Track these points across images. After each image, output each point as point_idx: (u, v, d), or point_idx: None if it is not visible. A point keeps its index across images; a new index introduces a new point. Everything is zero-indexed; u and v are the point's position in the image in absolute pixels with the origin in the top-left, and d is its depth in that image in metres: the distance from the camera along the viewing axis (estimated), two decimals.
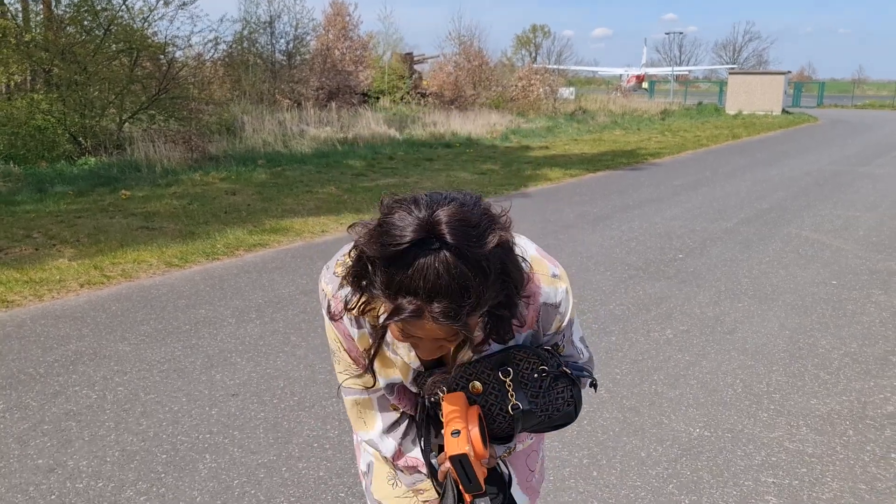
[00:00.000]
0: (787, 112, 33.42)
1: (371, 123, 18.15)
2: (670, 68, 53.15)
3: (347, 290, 1.22)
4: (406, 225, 1.05)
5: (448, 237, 1.04)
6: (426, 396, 1.38)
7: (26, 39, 13.10)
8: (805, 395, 3.64)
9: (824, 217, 8.47)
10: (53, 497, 2.73)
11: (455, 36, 27.46)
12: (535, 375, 1.30)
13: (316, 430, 3.26)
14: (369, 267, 1.10)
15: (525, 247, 1.33)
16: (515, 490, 1.54)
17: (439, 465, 1.38)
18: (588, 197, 9.93)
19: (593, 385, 1.43)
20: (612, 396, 3.62)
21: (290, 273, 5.93)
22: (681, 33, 78.30)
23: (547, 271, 1.35)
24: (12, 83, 14.97)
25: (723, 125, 24.92)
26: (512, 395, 1.29)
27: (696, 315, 4.89)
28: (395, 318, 1.07)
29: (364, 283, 1.14)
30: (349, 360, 1.39)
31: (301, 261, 6.34)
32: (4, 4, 15.03)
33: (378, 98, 25.74)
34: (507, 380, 1.28)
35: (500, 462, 1.45)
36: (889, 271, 6.06)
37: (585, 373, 1.41)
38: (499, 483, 1.42)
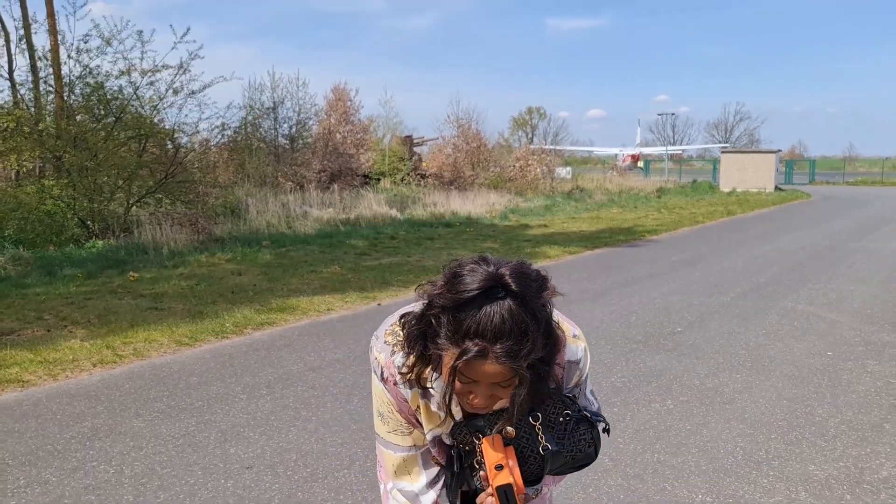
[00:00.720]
0: (780, 189, 34.08)
1: (373, 204, 18.55)
2: (664, 147, 54.36)
3: (400, 355, 1.41)
4: (476, 276, 1.25)
5: (512, 286, 1.25)
6: (461, 445, 1.50)
7: (40, 128, 13.59)
8: (803, 462, 3.75)
9: (819, 291, 8.66)
10: None
11: (453, 119, 28.24)
12: (561, 419, 1.45)
13: (329, 501, 3.35)
14: (435, 320, 1.27)
15: (558, 317, 1.48)
16: None
17: (475, 464, 1.48)
18: (587, 273, 10.14)
19: (606, 430, 1.55)
20: (615, 465, 3.72)
21: (298, 350, 6.07)
22: (673, 114, 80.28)
23: (569, 332, 1.51)
24: (22, 170, 15.43)
25: (717, 202, 25.41)
26: (542, 438, 1.43)
27: (695, 386, 5.02)
28: (462, 359, 1.23)
29: (423, 341, 1.33)
30: (400, 419, 1.53)
31: (308, 338, 6.49)
32: (17, 94, 15.64)
33: (379, 179, 26.33)
34: (537, 424, 1.43)
35: None
36: (883, 342, 6.21)
37: (600, 418, 1.54)
38: None
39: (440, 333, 1.28)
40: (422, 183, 25.47)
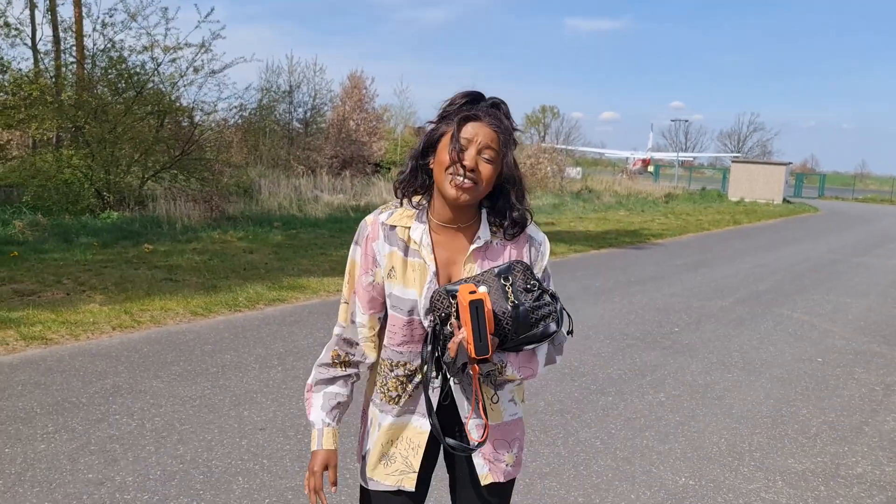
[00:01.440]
0: (788, 201, 34.18)
1: (383, 192, 18.77)
2: (675, 153, 54.41)
3: (386, 213, 1.76)
4: (461, 93, 1.75)
5: (500, 104, 1.73)
6: (437, 312, 1.65)
7: (61, 98, 13.83)
8: (783, 455, 3.97)
9: (816, 301, 8.86)
10: None
11: None
12: (528, 286, 1.66)
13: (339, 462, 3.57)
14: (430, 141, 1.73)
15: None
16: (477, 457, 1.81)
17: (450, 333, 1.63)
18: (591, 272, 10.35)
19: (570, 332, 1.74)
20: (606, 448, 3.95)
21: (309, 327, 6.30)
22: (686, 121, 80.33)
23: (534, 223, 1.83)
24: (41, 138, 15.70)
25: (725, 211, 25.56)
26: (511, 295, 1.63)
27: (687, 382, 5.24)
28: (463, 112, 1.67)
29: (418, 162, 1.75)
30: (351, 288, 1.80)
31: (318, 316, 6.72)
32: (40, 64, 15.89)
33: (390, 168, 26.52)
34: (508, 284, 1.64)
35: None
36: (872, 352, 6.42)
37: (566, 312, 1.72)
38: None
39: (437, 135, 1.71)
40: None
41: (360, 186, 19.59)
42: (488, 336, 1.52)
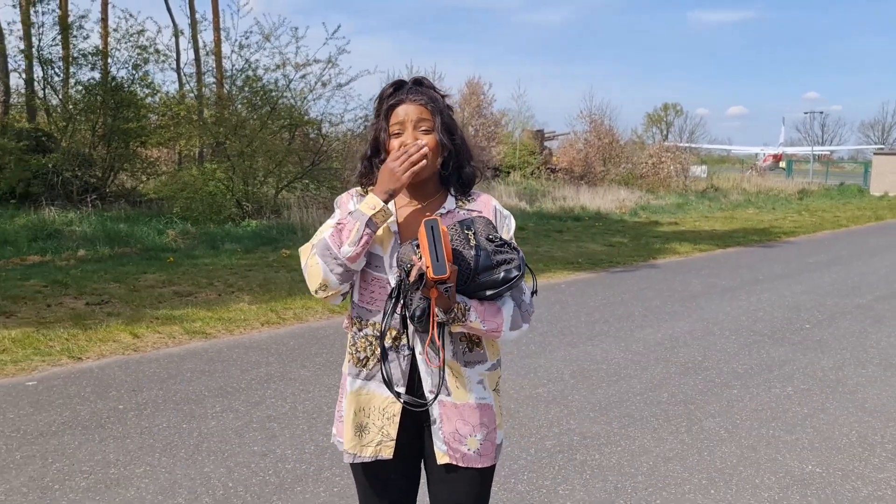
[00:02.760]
0: None
1: (502, 196, 19.04)
2: (810, 147, 51.63)
3: (354, 191, 1.95)
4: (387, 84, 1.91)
5: (422, 80, 1.89)
6: (402, 266, 1.74)
7: (205, 116, 15.00)
8: None
9: None
10: (270, 472, 3.48)
11: (586, 114, 28.25)
12: (490, 237, 1.78)
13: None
14: (372, 138, 1.90)
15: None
16: (437, 432, 1.84)
17: (414, 281, 1.70)
18: (716, 270, 10.18)
19: (535, 292, 1.88)
20: (730, 436, 4.03)
21: None
22: (821, 112, 75.94)
23: (499, 202, 1.97)
24: (184, 154, 17.04)
25: (866, 206, 24.14)
26: (473, 241, 1.75)
27: (817, 377, 5.17)
28: (388, 103, 1.83)
29: (369, 161, 1.91)
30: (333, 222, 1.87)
31: None
32: (184, 85, 17.26)
33: (509, 172, 26.78)
34: (470, 233, 1.77)
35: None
36: None
37: (529, 270, 1.84)
38: (463, 273, 1.73)
39: (379, 131, 1.89)
40: (551, 177, 25.71)
41: (480, 191, 19.90)
42: (445, 256, 1.60)
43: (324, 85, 15.66)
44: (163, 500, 3.18)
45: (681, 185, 26.34)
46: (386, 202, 1.79)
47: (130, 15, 18.00)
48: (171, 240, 11.36)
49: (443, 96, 1.89)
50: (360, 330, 1.89)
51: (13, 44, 15.34)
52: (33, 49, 15.20)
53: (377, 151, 1.90)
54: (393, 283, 1.81)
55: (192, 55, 17.60)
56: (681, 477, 3.50)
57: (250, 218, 13.99)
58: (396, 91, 1.86)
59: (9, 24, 15.49)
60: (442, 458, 1.86)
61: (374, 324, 1.85)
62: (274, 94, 15.21)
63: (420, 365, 1.83)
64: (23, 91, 15.89)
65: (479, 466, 1.89)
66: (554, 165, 27.57)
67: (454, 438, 1.86)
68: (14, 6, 15.38)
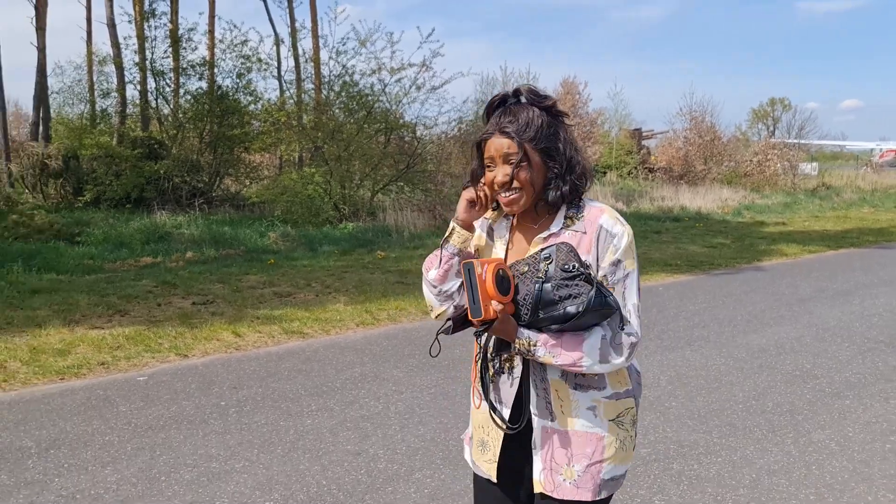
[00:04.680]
0: None
1: (598, 197, 18.71)
2: None
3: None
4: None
5: (522, 92, 1.81)
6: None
7: (304, 122, 15.45)
8: None
9: None
10: (362, 472, 3.53)
11: (686, 111, 27.39)
12: (566, 266, 1.69)
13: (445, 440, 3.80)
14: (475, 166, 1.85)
15: (606, 206, 1.83)
16: (537, 456, 1.80)
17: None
18: (828, 273, 9.66)
19: (622, 328, 1.71)
20: (842, 450, 3.80)
21: None
22: None
23: (615, 214, 1.79)
24: (285, 159, 17.61)
25: None
26: (543, 272, 1.70)
27: None
28: (481, 136, 1.80)
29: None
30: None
31: None
32: (285, 92, 17.84)
33: (605, 173, 26.32)
34: (545, 264, 1.71)
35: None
36: None
37: (614, 304, 1.69)
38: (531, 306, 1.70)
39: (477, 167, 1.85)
40: (649, 177, 25.09)
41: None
42: (482, 299, 1.64)
43: (418, 88, 15.82)
44: (259, 496, 3.28)
45: (789, 183, 25.14)
46: (464, 227, 1.84)
47: (235, 26, 18.82)
48: (272, 242, 11.75)
49: (547, 107, 1.80)
50: (475, 354, 1.93)
51: (128, 57, 16.29)
52: (147, 62, 16.07)
53: (476, 179, 1.86)
54: None
55: (292, 63, 18.24)
56: (787, 491, 3.32)
57: (347, 220, 14.31)
58: (497, 107, 1.82)
59: (124, 38, 16.38)
60: (537, 487, 1.81)
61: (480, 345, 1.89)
62: (370, 98, 15.49)
63: (529, 387, 1.80)
64: (137, 102, 16.82)
65: (573, 499, 1.78)
66: (652, 165, 26.88)
67: (550, 466, 1.79)
68: (130, 21, 16.33)
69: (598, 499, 1.79)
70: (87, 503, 3.20)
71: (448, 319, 1.81)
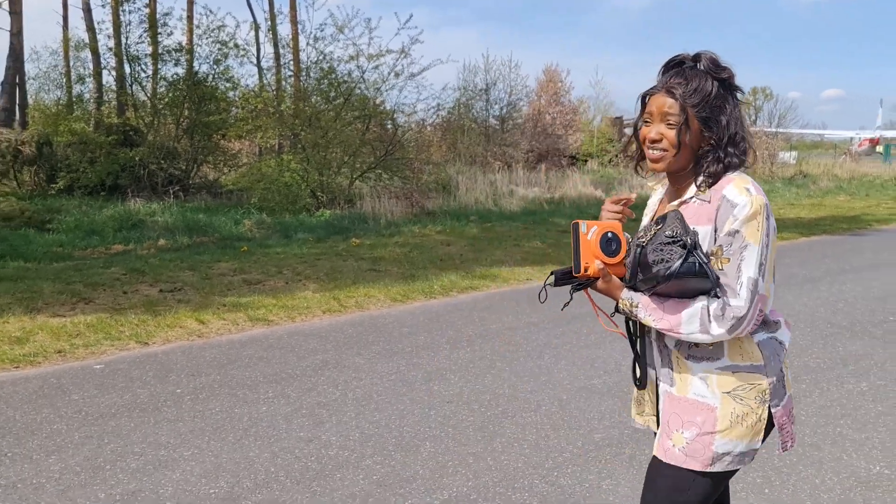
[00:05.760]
0: None
1: (578, 185, 18.73)
2: None
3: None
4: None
5: (702, 59, 1.80)
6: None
7: (281, 109, 15.31)
8: None
9: None
10: (313, 459, 3.50)
11: None
12: (669, 233, 1.74)
13: (517, 434, 3.80)
14: (637, 121, 1.92)
15: (743, 175, 1.81)
16: (660, 425, 1.90)
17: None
18: (798, 260, 9.71)
19: (716, 295, 1.73)
20: None
21: (498, 312, 6.58)
22: None
23: (743, 183, 1.77)
24: (263, 146, 17.47)
25: None
26: (648, 238, 1.80)
27: None
28: (647, 91, 1.83)
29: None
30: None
31: (508, 303, 6.98)
32: (263, 79, 17.68)
33: (586, 161, 26.34)
34: (656, 228, 1.79)
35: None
36: None
37: (709, 273, 1.71)
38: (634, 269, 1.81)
39: (638, 118, 1.91)
40: (630, 165, 25.10)
41: (556, 179, 19.67)
42: (581, 256, 1.80)
43: (397, 75, 15.73)
44: (205, 483, 3.25)
45: (767, 171, 25.27)
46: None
47: (211, 11, 18.59)
48: (247, 230, 11.66)
49: (722, 79, 1.79)
50: None
51: (103, 42, 16.06)
52: (122, 47, 15.85)
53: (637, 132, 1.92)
54: None
55: (270, 49, 18.08)
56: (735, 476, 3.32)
57: (324, 208, 14.22)
58: (673, 68, 1.82)
59: (99, 23, 16.14)
60: (655, 449, 1.89)
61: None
62: (348, 85, 15.38)
63: (649, 349, 1.94)
64: (113, 88, 16.60)
65: (681, 466, 1.80)
66: (634, 153, 26.87)
67: (664, 430, 1.86)
68: (104, 6, 16.11)
69: (710, 471, 1.78)
70: (28, 492, 3.16)
71: (552, 273, 1.89)
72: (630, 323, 1.96)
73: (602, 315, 1.94)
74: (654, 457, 1.87)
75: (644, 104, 1.85)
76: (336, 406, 4.20)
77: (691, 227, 1.76)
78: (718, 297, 1.72)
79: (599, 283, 1.84)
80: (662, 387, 1.88)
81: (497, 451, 3.60)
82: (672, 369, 1.84)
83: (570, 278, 1.85)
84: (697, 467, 1.77)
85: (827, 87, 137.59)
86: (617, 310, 1.89)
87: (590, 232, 1.80)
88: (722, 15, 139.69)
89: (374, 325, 6.15)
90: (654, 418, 1.97)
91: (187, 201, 14.36)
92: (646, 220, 1.97)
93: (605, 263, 1.82)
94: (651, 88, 1.83)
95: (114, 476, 3.31)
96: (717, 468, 1.77)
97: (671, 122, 1.77)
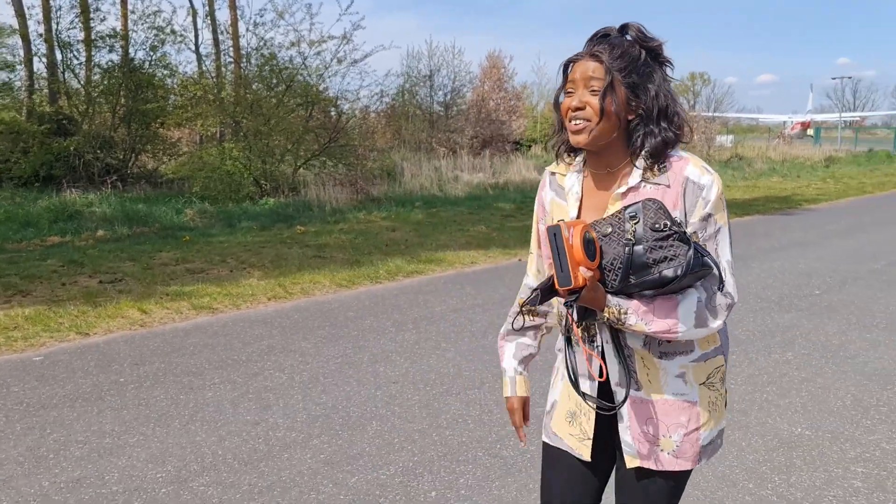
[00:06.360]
0: None
1: (522, 170, 18.94)
2: (838, 114, 50.53)
3: (555, 162, 1.81)
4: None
5: (630, 29, 1.63)
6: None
7: (222, 96, 15.08)
8: None
9: None
10: (260, 440, 3.55)
11: None
12: (657, 226, 1.51)
13: (461, 410, 3.91)
14: (558, 93, 1.68)
15: (690, 153, 1.67)
16: (625, 433, 1.69)
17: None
18: (733, 238, 10.05)
19: (721, 288, 1.57)
20: None
21: (443, 295, 6.67)
22: (849, 78, 74.04)
23: (700, 163, 1.62)
24: (206, 134, 17.17)
25: (894, 173, 23.62)
26: (631, 232, 1.52)
27: (820, 342, 5.12)
28: (568, 59, 1.63)
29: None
30: (536, 238, 1.88)
31: (453, 286, 7.09)
32: (203, 65, 17.36)
33: (530, 146, 26.62)
34: (632, 224, 1.53)
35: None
36: None
37: (712, 264, 1.54)
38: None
39: (559, 90, 1.69)
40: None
41: (500, 165, 19.85)
42: (570, 266, 1.46)
43: (339, 62, 15.62)
44: (152, 468, 3.26)
45: (704, 154, 25.95)
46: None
47: None
48: (189, 219, 11.50)
49: (651, 48, 1.62)
50: (560, 323, 1.80)
51: (33, 28, 15.53)
52: (53, 33, 15.35)
53: (558, 106, 1.69)
54: None
55: (208, 35, 17.75)
56: None
57: (268, 196, 14.09)
58: (598, 40, 1.63)
59: (29, 8, 15.57)
60: (631, 462, 1.70)
61: (560, 314, 1.77)
62: (289, 71, 15.22)
63: (608, 356, 1.68)
64: (44, 75, 16.09)
65: (675, 469, 1.69)
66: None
67: (644, 438, 1.68)
68: None
69: (699, 465, 1.73)
70: None
71: (535, 289, 1.58)
72: (580, 329, 1.71)
73: (569, 350, 1.72)
74: (640, 468, 1.70)
75: (565, 75, 1.65)
76: (282, 390, 4.24)
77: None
78: (705, 289, 1.57)
79: (586, 294, 1.51)
80: (621, 392, 1.65)
81: (442, 426, 3.70)
82: (636, 371, 1.66)
83: (555, 293, 1.55)
84: (688, 466, 1.69)
85: (761, 73, 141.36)
86: (589, 320, 1.63)
87: (571, 235, 1.49)
88: (662, 1, 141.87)
89: (320, 310, 6.18)
90: (587, 444, 1.76)
91: (126, 191, 14.05)
92: (574, 210, 1.70)
93: (589, 270, 1.50)
94: (574, 55, 1.63)
95: (58, 465, 3.29)
96: (703, 461, 1.71)
97: (594, 87, 1.57)
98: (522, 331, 1.91)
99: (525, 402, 1.92)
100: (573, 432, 1.77)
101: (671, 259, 1.49)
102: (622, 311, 1.56)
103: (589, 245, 1.51)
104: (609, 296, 1.56)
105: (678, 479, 1.71)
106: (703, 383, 1.68)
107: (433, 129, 24.70)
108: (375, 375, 4.48)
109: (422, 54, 26.96)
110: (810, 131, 49.18)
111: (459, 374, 4.49)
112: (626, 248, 1.51)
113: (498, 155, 21.86)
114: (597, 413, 1.72)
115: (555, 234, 1.47)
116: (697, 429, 1.67)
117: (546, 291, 1.56)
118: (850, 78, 71.64)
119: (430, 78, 26.62)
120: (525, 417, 1.93)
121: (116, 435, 3.61)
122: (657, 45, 1.63)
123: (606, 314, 1.57)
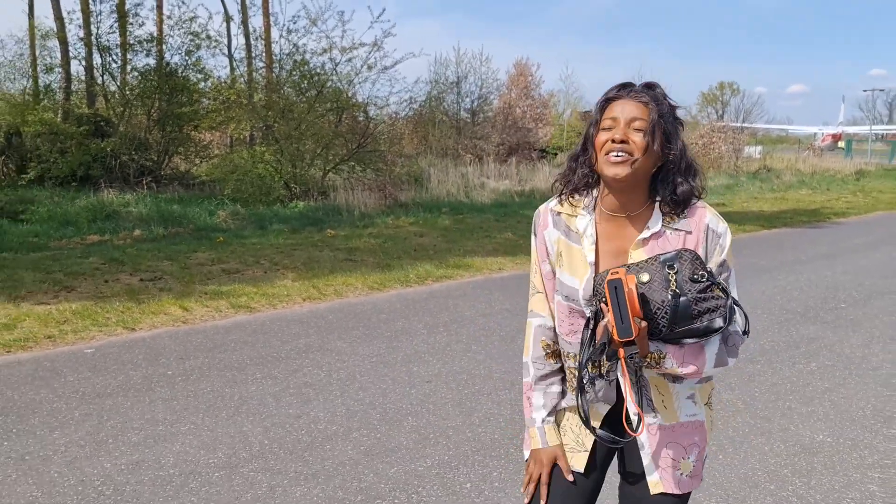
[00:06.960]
0: None
1: (548, 177, 19.05)
2: (869, 127, 49.99)
3: (554, 201, 1.80)
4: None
5: (655, 86, 1.68)
6: (597, 298, 1.64)
7: (254, 100, 15.40)
8: None
9: None
10: (303, 432, 3.74)
11: None
12: (695, 276, 1.57)
13: (493, 410, 4.08)
14: (590, 129, 1.71)
15: (704, 203, 1.73)
16: (647, 458, 1.74)
17: (599, 315, 1.62)
18: (758, 251, 10.13)
19: (746, 332, 1.67)
20: (747, 407, 4.15)
21: (472, 300, 6.85)
22: (882, 90, 73.13)
23: (715, 212, 1.71)
24: (235, 138, 17.52)
25: None
26: (674, 284, 1.56)
27: (844, 354, 5.22)
28: (606, 96, 1.67)
29: (576, 160, 1.75)
30: (540, 278, 1.83)
31: (481, 291, 7.26)
32: (235, 70, 17.73)
33: (556, 154, 26.70)
34: (672, 273, 1.57)
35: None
36: None
37: (738, 309, 1.62)
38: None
39: (591, 126, 1.71)
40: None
41: (526, 172, 20.00)
42: (630, 317, 1.49)
43: (369, 68, 15.89)
44: (204, 454, 3.47)
45: (732, 165, 25.88)
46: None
47: (183, 2, 18.56)
48: (222, 220, 11.79)
49: (673, 107, 1.68)
50: (565, 361, 1.83)
51: (73, 32, 15.98)
52: (92, 37, 15.79)
53: (585, 149, 1.73)
54: (588, 313, 1.71)
55: (242, 40, 18.11)
56: None
57: (298, 199, 14.36)
58: (621, 90, 1.68)
59: (69, 13, 16.02)
60: (657, 487, 1.74)
61: (574, 356, 1.77)
62: (321, 77, 15.50)
63: (621, 382, 1.72)
64: (83, 78, 16.53)
65: (691, 490, 1.77)
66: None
67: (668, 464, 1.74)
68: None
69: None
70: (36, 464, 3.36)
71: (602, 343, 1.61)
72: (582, 372, 1.72)
73: (627, 420, 1.68)
74: (663, 493, 1.75)
75: (601, 111, 1.68)
76: (321, 386, 4.44)
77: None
78: (724, 330, 1.63)
79: (639, 342, 1.57)
80: (637, 420, 1.68)
81: (475, 424, 3.87)
82: (652, 399, 1.72)
83: (616, 343, 1.56)
84: (697, 485, 1.79)
85: (792, 83, 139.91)
86: (626, 362, 1.63)
87: (625, 280, 1.52)
88: (690, 9, 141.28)
89: (353, 311, 6.38)
90: (583, 455, 1.80)
91: (160, 192, 14.40)
92: (591, 255, 1.72)
93: (643, 319, 1.55)
94: (612, 94, 1.67)
95: (117, 448, 3.51)
96: (703, 474, 1.80)
97: (638, 126, 1.61)
98: (550, 376, 1.85)
99: (558, 452, 1.82)
100: (567, 442, 1.82)
101: (714, 310, 1.57)
102: (662, 355, 1.63)
103: (638, 298, 1.55)
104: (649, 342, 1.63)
105: (684, 499, 1.78)
106: (707, 403, 1.79)
107: (460, 136, 24.91)
108: (409, 374, 4.67)
109: (449, 61, 27.22)
110: (841, 143, 48.72)
111: (490, 375, 4.67)
112: (674, 300, 1.55)
113: (524, 162, 22.01)
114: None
115: (615, 287, 1.50)
116: (705, 447, 1.78)
117: (600, 347, 1.61)
118: (882, 90, 70.73)
119: (457, 85, 26.87)
120: (566, 468, 1.81)
121: (169, 423, 3.83)
122: (677, 106, 1.70)
123: (648, 359, 1.64)
